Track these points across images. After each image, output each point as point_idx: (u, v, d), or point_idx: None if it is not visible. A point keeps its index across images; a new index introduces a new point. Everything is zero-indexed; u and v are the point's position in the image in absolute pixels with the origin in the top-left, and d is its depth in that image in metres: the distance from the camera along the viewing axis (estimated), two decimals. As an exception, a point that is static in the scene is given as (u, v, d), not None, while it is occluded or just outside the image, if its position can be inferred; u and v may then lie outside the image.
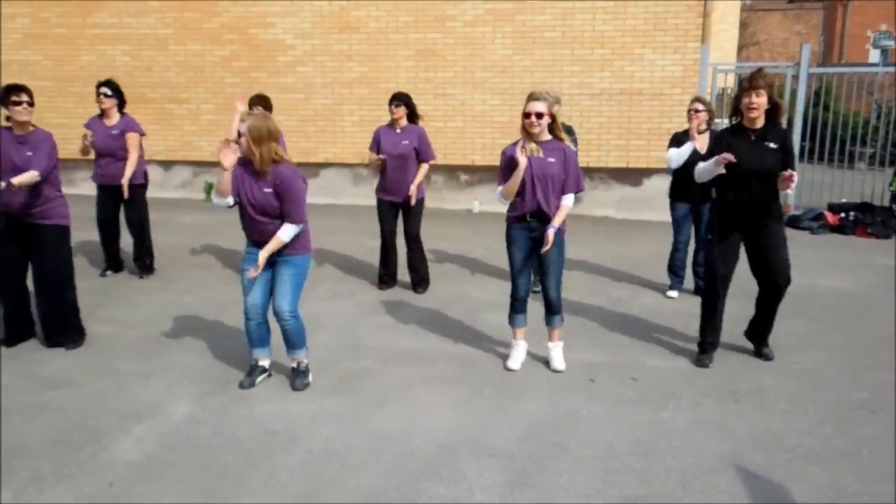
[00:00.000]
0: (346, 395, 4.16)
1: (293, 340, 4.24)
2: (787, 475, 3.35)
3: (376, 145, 6.12)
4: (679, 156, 5.87)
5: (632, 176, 9.89)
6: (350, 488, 3.22)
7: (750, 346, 4.92)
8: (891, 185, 10.23)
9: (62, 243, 4.78)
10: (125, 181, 6.18)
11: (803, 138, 9.81)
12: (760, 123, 4.41)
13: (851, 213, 9.21)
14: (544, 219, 4.30)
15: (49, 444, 3.57)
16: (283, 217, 4.00)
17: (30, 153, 4.53)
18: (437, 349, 4.90)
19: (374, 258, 7.23)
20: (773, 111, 4.39)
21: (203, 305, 5.73)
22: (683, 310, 5.79)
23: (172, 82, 10.68)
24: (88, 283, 6.39)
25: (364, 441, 3.63)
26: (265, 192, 3.96)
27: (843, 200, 9.81)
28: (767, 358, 4.76)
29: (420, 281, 6.24)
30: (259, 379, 4.31)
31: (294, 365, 4.33)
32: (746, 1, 29.81)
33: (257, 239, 4.08)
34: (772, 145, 4.37)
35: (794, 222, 9.39)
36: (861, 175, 10.76)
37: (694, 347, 4.86)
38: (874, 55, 28.15)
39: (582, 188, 4.40)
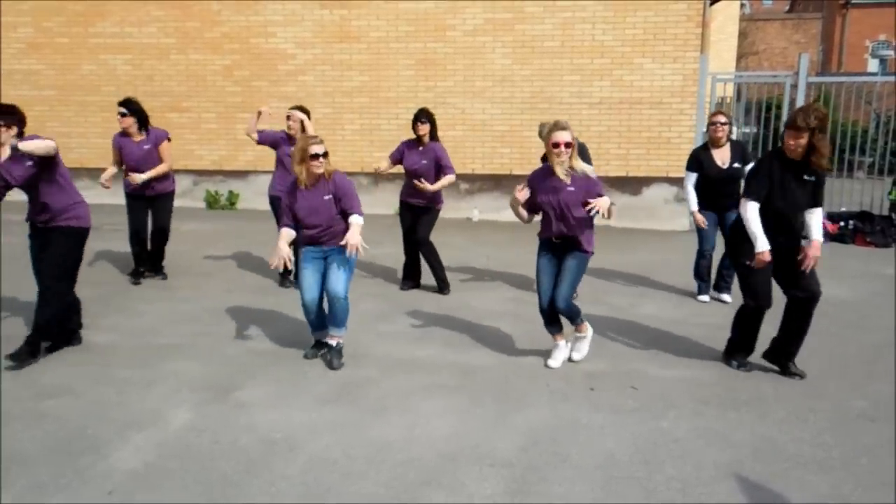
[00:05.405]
0: (346, 404, 4.17)
1: (340, 318, 4.74)
2: (786, 484, 3.34)
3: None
4: (691, 202, 6.17)
5: (631, 185, 9.92)
6: (350, 497, 3.22)
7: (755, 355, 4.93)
8: (890, 193, 10.26)
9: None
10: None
11: (802, 147, 9.82)
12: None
13: (851, 222, 9.23)
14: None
15: (48, 452, 3.57)
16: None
17: None
18: (437, 358, 4.90)
19: (372, 267, 7.24)
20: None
21: (203, 314, 5.74)
22: (683, 319, 5.80)
23: (174, 91, 10.72)
24: (89, 291, 6.41)
25: (364, 449, 3.63)
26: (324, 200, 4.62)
27: (843, 209, 9.83)
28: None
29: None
30: (321, 352, 4.85)
31: (333, 343, 4.77)
32: (745, 10, 29.94)
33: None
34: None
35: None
36: (860, 184, 10.79)
37: (693, 357, 4.88)
38: (873, 65, 28.28)
39: None
